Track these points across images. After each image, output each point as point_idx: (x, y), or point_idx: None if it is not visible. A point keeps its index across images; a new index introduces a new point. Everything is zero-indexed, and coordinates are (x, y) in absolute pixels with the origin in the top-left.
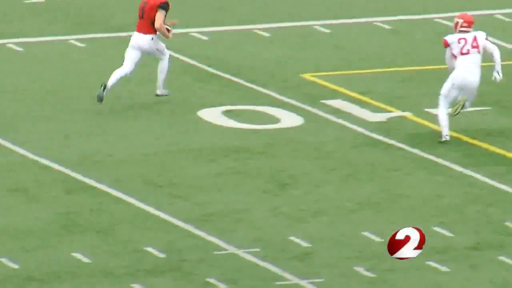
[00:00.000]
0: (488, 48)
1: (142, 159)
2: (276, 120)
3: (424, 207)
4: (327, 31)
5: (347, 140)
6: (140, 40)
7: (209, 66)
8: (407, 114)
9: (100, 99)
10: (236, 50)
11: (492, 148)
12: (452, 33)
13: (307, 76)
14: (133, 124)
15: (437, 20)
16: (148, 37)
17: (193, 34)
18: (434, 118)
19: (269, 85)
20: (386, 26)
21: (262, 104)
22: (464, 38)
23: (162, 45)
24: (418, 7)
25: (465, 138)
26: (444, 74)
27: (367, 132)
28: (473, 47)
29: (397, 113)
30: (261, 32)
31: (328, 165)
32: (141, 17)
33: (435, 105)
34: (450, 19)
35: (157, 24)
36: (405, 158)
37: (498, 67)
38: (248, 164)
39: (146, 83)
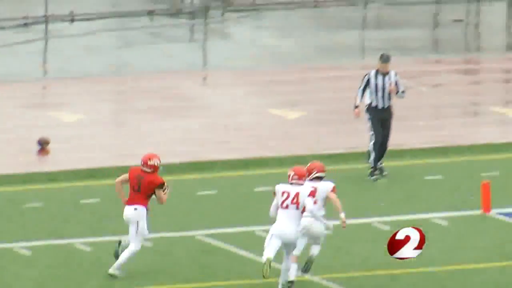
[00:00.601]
0: (306, 205)
1: None
2: None
3: None
4: (88, 249)
5: None
6: (132, 212)
7: None
8: None
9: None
10: None
11: None
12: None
13: None
14: None
15: (199, 237)
16: (141, 208)
17: None
18: None
19: None
20: (148, 244)
21: None
22: (288, 192)
23: (145, 226)
24: (179, 225)
25: None
26: None
27: None
28: (292, 202)
29: None
30: (21, 251)
31: None
32: (137, 190)
33: None
34: (213, 235)
35: (162, 202)
36: None
37: (304, 223)
38: None
39: None
